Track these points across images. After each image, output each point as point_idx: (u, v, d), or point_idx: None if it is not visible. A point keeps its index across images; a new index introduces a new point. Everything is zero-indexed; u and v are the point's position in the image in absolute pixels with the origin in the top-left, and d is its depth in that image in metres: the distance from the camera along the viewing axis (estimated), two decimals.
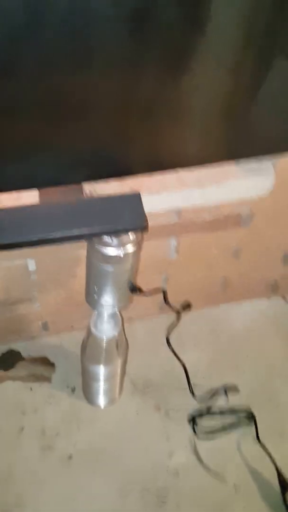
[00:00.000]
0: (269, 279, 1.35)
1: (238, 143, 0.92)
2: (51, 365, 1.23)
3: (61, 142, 0.81)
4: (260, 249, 1.21)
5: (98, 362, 1.06)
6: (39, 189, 0.88)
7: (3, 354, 1.23)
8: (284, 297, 1.42)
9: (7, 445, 1.14)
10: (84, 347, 1.07)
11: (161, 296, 1.02)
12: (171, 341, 1.12)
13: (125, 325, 1.28)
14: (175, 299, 1.03)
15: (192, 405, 1.20)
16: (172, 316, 1.10)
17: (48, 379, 1.21)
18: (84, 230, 0.86)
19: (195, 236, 1.09)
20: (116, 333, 1.01)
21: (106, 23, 0.67)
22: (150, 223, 1.01)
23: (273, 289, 1.38)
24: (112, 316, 1.01)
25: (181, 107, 0.82)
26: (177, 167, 0.93)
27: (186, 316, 1.30)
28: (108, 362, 1.07)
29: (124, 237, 0.87)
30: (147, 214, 0.95)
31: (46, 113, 0.76)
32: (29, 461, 1.12)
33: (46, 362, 1.23)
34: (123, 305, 1.00)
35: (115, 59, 0.72)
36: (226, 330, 1.34)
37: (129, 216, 0.88)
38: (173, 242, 1.10)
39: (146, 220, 0.87)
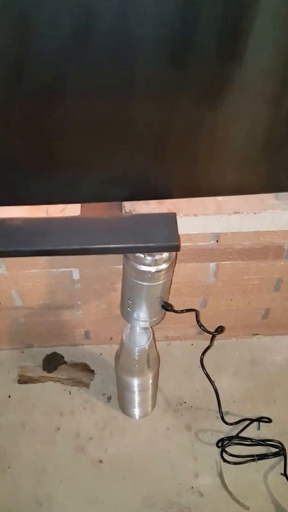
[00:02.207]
0: None
1: (277, 176, 0.94)
2: (91, 371, 1.29)
3: (107, 164, 0.88)
4: None
5: (130, 373, 1.11)
6: (82, 204, 0.96)
7: (48, 356, 1.30)
8: None
9: (43, 442, 1.20)
10: (117, 357, 1.12)
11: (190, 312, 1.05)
12: (209, 365, 1.13)
13: (163, 344, 1.34)
14: (212, 324, 1.06)
15: (223, 429, 1.22)
16: (209, 340, 1.12)
17: (86, 385, 1.27)
18: (119, 245, 0.91)
19: (235, 263, 1.11)
20: (146, 346, 1.05)
21: (149, 56, 0.74)
22: (188, 244, 1.06)
23: None
24: (144, 329, 1.05)
25: (222, 139, 0.86)
26: (215, 195, 0.97)
27: (226, 343, 1.33)
28: (139, 373, 1.10)
29: (156, 255, 0.92)
30: (184, 235, 0.99)
31: (94, 138, 0.83)
32: (63, 459, 1.18)
33: (86, 368, 1.29)
34: (155, 320, 1.04)
35: (158, 91, 0.77)
36: (266, 361, 1.33)
37: (162, 235, 0.92)
38: (212, 266, 1.12)
39: (178, 240, 0.91)
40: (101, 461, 1.18)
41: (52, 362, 1.29)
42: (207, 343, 1.11)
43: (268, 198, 0.98)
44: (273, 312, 1.28)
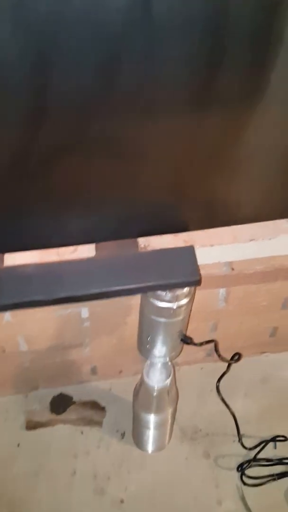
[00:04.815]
0: None
1: None
2: (101, 409, 1.25)
3: (121, 202, 0.85)
4: None
5: (149, 410, 1.07)
6: (96, 243, 0.92)
7: (54, 398, 1.25)
8: None
9: (61, 488, 1.15)
10: (136, 394, 1.08)
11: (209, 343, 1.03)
12: (220, 388, 1.11)
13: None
14: (222, 346, 1.04)
15: (241, 453, 1.20)
16: (219, 362, 1.10)
17: (98, 423, 1.22)
18: (139, 285, 0.88)
19: (245, 287, 1.10)
20: (167, 383, 1.02)
21: (170, 95, 0.72)
22: (202, 273, 1.03)
23: None
24: (164, 365, 1.02)
25: (240, 169, 0.86)
26: (231, 224, 0.96)
27: (235, 364, 1.30)
28: (159, 410, 1.07)
29: (177, 290, 0.89)
30: (201, 265, 0.97)
31: (108, 176, 0.81)
32: (83, 504, 1.14)
33: (96, 406, 1.25)
34: (174, 354, 1.01)
35: (176, 129, 0.76)
36: (276, 379, 1.32)
37: (182, 270, 0.90)
38: (222, 291, 1.11)
39: (199, 275, 0.89)
40: (122, 501, 1.14)
41: (60, 403, 1.24)
42: (216, 365, 1.08)
43: (281, 222, 0.97)
44: (281, 330, 1.27)
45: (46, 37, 0.62)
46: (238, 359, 1.04)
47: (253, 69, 0.71)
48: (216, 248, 0.95)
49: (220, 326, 1.20)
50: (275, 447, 1.22)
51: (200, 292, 1.09)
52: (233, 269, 1.03)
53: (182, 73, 0.69)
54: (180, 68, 0.69)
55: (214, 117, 0.76)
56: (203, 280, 1.05)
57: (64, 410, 1.23)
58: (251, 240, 0.95)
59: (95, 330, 1.13)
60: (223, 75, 0.71)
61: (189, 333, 1.01)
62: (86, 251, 0.91)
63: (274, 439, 1.22)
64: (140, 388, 1.05)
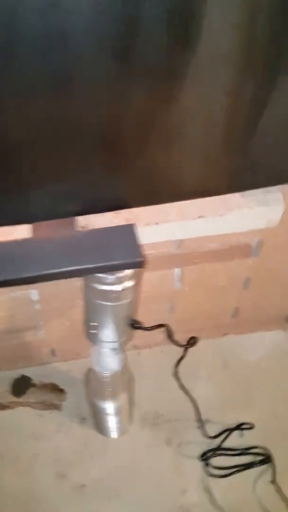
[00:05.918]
0: (283, 310, 1.28)
1: (242, 175, 0.88)
2: (61, 391, 1.21)
3: (54, 177, 0.79)
4: (271, 278, 1.15)
5: (103, 398, 1.04)
6: (32, 224, 0.87)
7: (16, 380, 1.22)
8: None
9: (24, 470, 1.13)
10: (88, 381, 1.04)
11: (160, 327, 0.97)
12: (180, 371, 1.07)
13: (132, 355, 1.26)
14: (182, 329, 1.00)
15: (205, 440, 1.15)
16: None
17: (58, 407, 1.19)
18: (77, 267, 0.83)
19: (201, 266, 1.05)
20: (119, 369, 0.97)
21: (92, 49, 0.65)
22: (150, 252, 0.98)
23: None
24: (114, 351, 0.97)
25: (180, 138, 0.78)
26: (176, 200, 0.90)
27: (195, 346, 1.26)
28: (113, 397, 1.03)
29: (120, 273, 0.84)
30: (145, 245, 0.92)
31: (39, 148, 0.74)
32: (46, 487, 1.12)
33: (55, 388, 1.22)
34: (124, 340, 0.96)
35: (108, 90, 0.68)
36: (240, 362, 1.27)
37: (123, 251, 0.84)
38: (177, 271, 1.06)
39: (142, 256, 0.83)
40: (84, 486, 1.11)
41: (21, 385, 1.21)
42: (178, 348, 1.03)
43: (233, 197, 0.91)
44: (243, 311, 1.22)
45: None
46: (194, 343, 1.00)
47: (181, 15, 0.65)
48: (162, 226, 0.89)
49: (177, 307, 1.16)
50: (241, 435, 1.17)
51: (154, 273, 1.05)
52: (182, 247, 0.98)
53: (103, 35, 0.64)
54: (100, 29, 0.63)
55: (148, 84, 0.69)
56: (154, 260, 1.01)
57: (24, 393, 1.20)
58: (199, 217, 0.90)
59: (47, 312, 1.10)
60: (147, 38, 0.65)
61: (145, 315, 0.96)
62: (23, 232, 0.86)
63: (239, 427, 1.17)
64: (91, 376, 1.01)
